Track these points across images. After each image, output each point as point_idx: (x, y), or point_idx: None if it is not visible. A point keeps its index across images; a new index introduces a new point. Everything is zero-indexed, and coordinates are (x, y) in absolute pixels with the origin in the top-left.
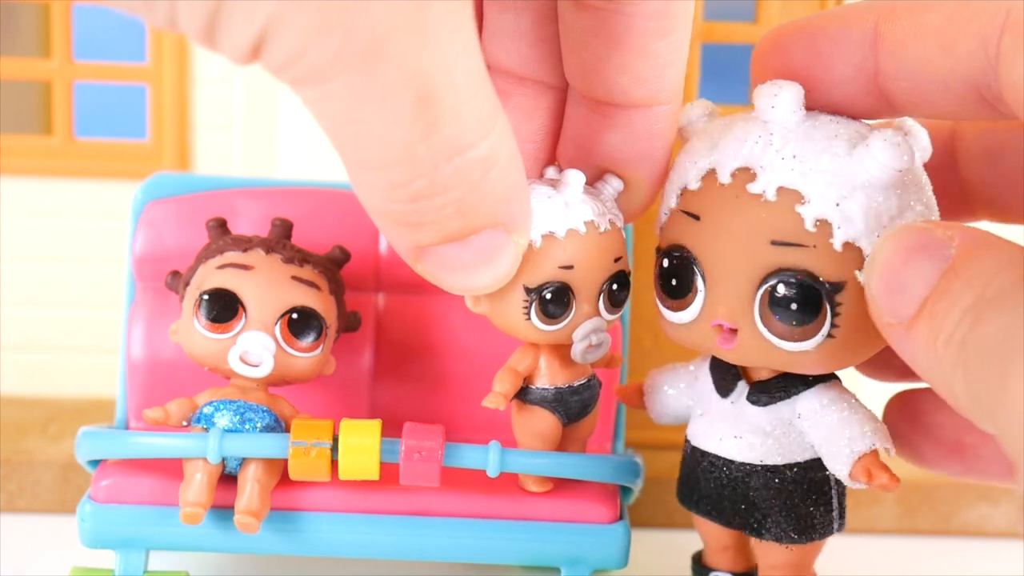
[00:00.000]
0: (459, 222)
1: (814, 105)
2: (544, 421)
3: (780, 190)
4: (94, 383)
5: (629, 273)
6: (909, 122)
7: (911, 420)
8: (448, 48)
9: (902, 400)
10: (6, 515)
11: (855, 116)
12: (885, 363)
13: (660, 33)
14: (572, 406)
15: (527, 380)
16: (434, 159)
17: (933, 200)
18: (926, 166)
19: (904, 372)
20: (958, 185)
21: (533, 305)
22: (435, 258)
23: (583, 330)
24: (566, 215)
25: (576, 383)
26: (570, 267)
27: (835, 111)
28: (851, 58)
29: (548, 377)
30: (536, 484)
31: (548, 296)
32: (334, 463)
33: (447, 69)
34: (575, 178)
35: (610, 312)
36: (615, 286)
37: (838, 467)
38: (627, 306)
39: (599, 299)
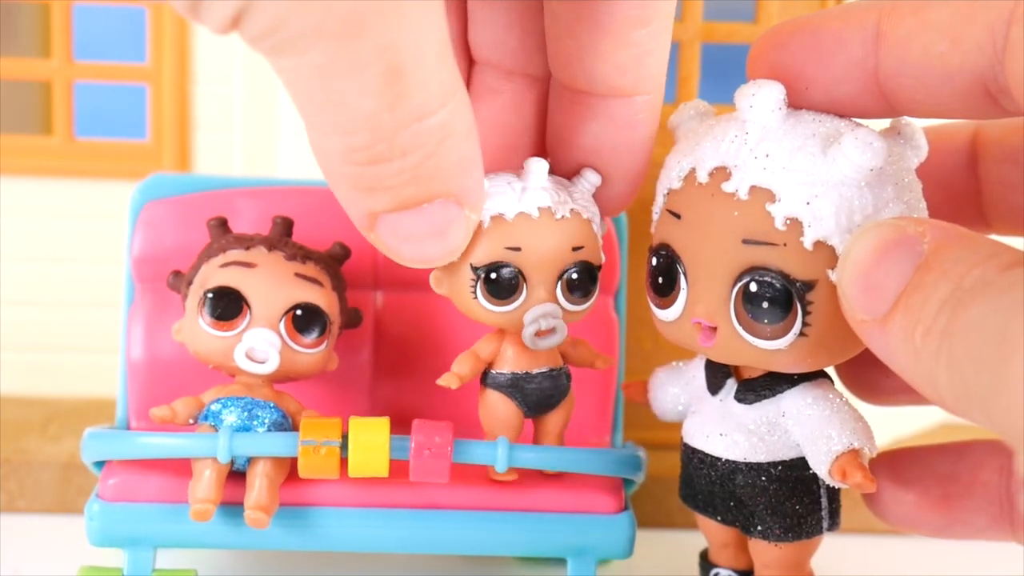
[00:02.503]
0: (413, 188)
1: (812, 104)
2: (500, 405)
3: (752, 189)
4: (94, 383)
5: (598, 266)
6: (905, 121)
7: (894, 478)
8: (419, 22)
9: (887, 457)
10: (6, 515)
11: (853, 116)
12: (875, 385)
13: (640, 21)
14: (530, 394)
15: (489, 365)
16: (395, 126)
17: (918, 200)
18: (943, 168)
19: (894, 393)
20: (976, 189)
21: (479, 284)
22: (388, 226)
23: (532, 314)
24: (519, 199)
25: (535, 371)
26: (517, 248)
27: (833, 110)
28: (851, 56)
29: (507, 363)
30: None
31: (493, 276)
32: (343, 461)
33: (417, 43)
34: (537, 166)
35: (571, 301)
36: (575, 275)
37: (818, 466)
38: (624, 306)
39: (556, 286)
